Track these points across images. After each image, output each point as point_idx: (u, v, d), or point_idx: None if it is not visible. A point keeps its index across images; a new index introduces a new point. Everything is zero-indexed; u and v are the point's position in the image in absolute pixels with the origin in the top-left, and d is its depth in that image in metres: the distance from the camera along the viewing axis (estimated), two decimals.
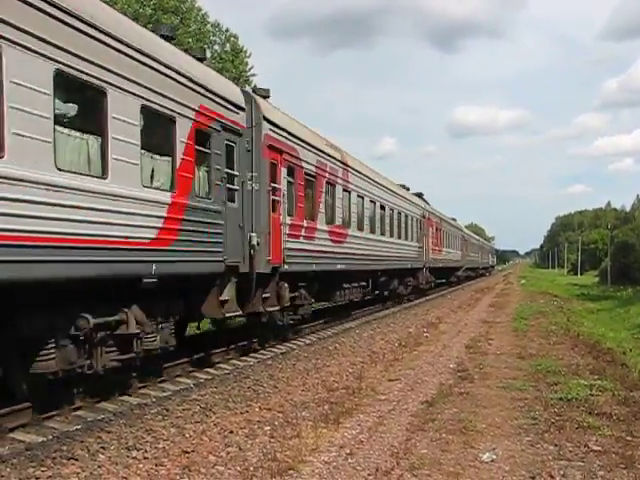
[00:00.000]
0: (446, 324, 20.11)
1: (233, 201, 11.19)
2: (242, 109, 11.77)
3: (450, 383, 10.13)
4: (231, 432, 7.32)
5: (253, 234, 11.75)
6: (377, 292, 24.63)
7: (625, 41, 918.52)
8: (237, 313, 11.55)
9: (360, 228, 20.11)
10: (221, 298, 10.87)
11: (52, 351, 7.31)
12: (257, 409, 8.48)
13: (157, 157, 9.06)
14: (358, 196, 19.97)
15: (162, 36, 9.51)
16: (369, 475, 5.87)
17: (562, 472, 5.92)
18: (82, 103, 7.77)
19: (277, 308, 13.19)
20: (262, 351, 13.76)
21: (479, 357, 12.80)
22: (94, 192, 7.38)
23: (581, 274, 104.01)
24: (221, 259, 10.52)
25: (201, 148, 10.05)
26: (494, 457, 6.40)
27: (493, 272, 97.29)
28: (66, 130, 7.27)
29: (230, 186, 11.04)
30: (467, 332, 17.59)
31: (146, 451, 6.57)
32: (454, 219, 53.93)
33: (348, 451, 6.62)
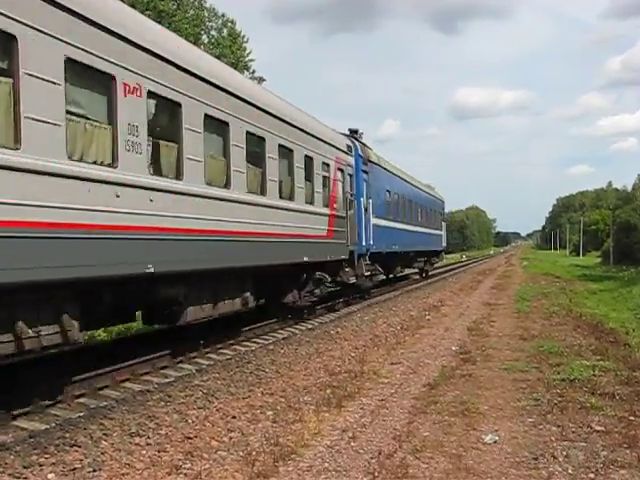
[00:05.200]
0: (448, 307, 20.11)
1: None
2: None
3: (452, 365, 10.13)
4: (234, 417, 7.33)
5: None
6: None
7: (628, 19, 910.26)
8: None
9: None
10: None
11: None
12: (259, 394, 8.48)
13: None
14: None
15: None
16: (372, 458, 5.87)
17: (565, 453, 5.92)
18: None
19: None
20: (264, 336, 13.77)
21: (481, 339, 12.80)
22: None
23: (583, 255, 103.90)
24: None
25: None
26: (496, 439, 6.40)
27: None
28: None
29: None
30: (469, 314, 17.59)
31: (149, 437, 6.58)
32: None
33: (351, 435, 6.62)
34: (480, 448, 6.15)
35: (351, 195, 18.49)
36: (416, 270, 34.77)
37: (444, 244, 40.78)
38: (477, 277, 38.16)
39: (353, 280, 18.60)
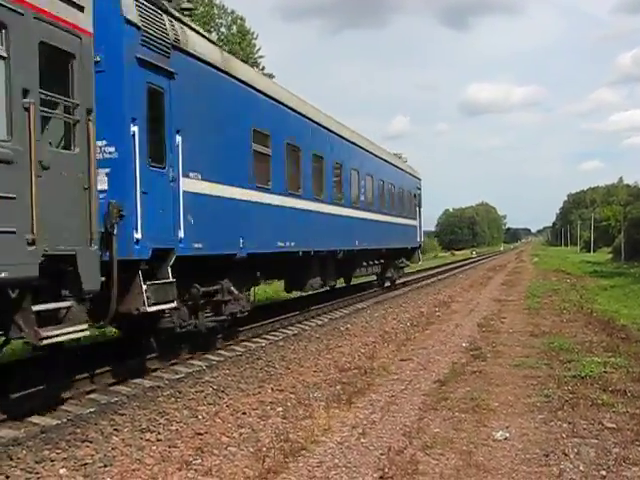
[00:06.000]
0: (458, 303, 20.06)
1: None
2: None
3: (463, 362, 10.10)
4: (244, 413, 7.34)
5: None
6: None
7: (639, 14, 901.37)
8: None
9: None
10: None
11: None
12: (269, 390, 8.50)
13: None
14: None
15: None
16: (382, 455, 5.86)
17: (576, 449, 5.89)
18: None
19: None
20: (274, 332, 13.78)
21: (492, 335, 12.76)
22: None
23: (594, 251, 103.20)
24: None
25: None
26: (507, 435, 6.38)
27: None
28: None
29: None
30: (479, 310, 17.53)
31: (159, 433, 6.60)
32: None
33: (360, 431, 6.62)
34: (490, 445, 6.13)
35: (68, 110, 6.96)
36: (374, 277, 24.52)
37: (419, 239, 28.36)
38: (487, 273, 38.04)
39: (64, 335, 6.75)
